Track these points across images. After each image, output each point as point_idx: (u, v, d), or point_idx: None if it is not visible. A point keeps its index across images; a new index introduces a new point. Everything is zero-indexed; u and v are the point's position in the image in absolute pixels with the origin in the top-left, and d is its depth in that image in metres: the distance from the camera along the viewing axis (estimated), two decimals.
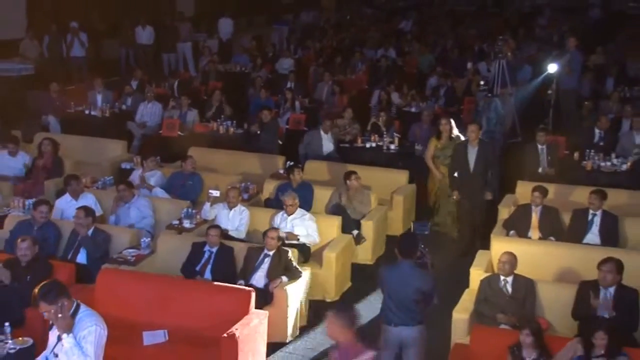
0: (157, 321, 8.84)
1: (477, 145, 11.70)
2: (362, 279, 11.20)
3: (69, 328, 6.14)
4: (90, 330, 6.19)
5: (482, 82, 19.12)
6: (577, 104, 18.01)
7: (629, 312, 8.48)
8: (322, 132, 14.93)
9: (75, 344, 6.11)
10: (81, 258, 10.18)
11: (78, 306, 6.29)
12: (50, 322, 6.30)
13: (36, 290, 6.29)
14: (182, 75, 21.68)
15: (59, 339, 6.17)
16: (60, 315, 6.12)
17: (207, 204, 11.51)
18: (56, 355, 6.21)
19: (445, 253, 11.86)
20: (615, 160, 13.96)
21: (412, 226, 10.17)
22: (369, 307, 10.13)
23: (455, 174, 12.06)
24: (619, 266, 8.55)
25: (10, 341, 7.24)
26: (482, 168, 11.71)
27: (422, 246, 7.99)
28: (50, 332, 6.31)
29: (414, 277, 7.55)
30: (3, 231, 10.81)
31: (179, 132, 16.21)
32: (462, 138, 12.44)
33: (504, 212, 11.88)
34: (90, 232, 10.26)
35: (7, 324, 7.56)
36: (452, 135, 12.71)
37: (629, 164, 13.87)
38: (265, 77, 20.36)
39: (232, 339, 8.32)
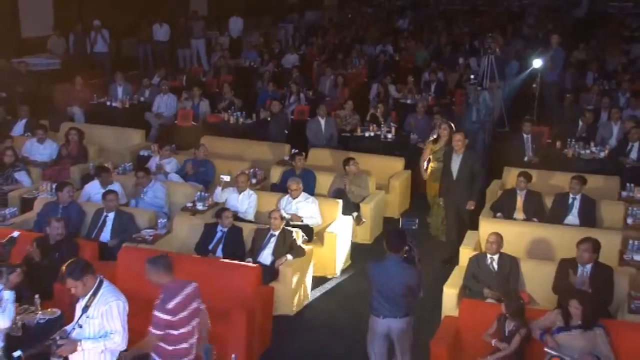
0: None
1: (463, 154, 10.78)
2: (361, 257, 11.18)
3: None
4: (112, 305, 6.19)
5: (472, 76, 19.10)
6: (559, 97, 18.02)
7: (604, 287, 8.53)
8: (319, 119, 14.99)
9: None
10: (104, 237, 10.27)
11: (101, 282, 6.29)
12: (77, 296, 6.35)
13: (63, 267, 6.31)
14: (193, 69, 21.68)
15: (84, 311, 6.21)
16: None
17: (219, 188, 11.56)
18: (80, 326, 6.25)
19: (431, 254, 10.99)
20: (594, 149, 13.99)
21: (400, 221, 9.76)
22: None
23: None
24: (595, 245, 8.60)
25: (40, 312, 7.24)
26: (466, 177, 10.78)
27: (411, 240, 7.87)
28: (76, 305, 6.34)
29: (401, 272, 7.37)
30: (32, 212, 10.90)
31: (193, 122, 16.25)
32: None
33: (491, 195, 11.95)
34: (114, 213, 10.37)
35: (37, 296, 7.59)
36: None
37: (606, 151, 13.94)
38: (272, 72, 20.32)
39: (241, 312, 8.38)
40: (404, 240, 7.55)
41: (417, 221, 8.80)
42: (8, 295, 6.29)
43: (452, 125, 11.75)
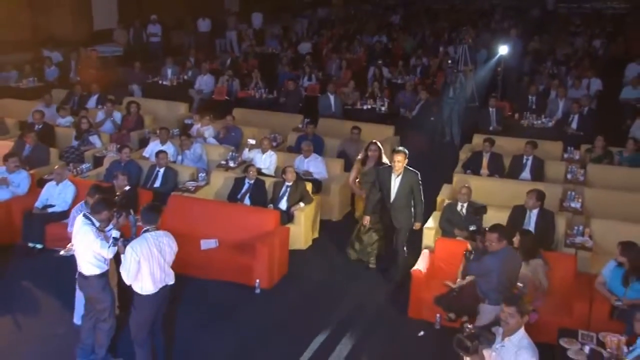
0: (210, 233, 8.97)
1: (402, 175, 8.39)
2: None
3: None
4: (127, 249, 6.09)
5: (450, 62, 18.96)
6: (518, 78, 17.90)
7: (547, 228, 8.61)
8: (329, 94, 14.93)
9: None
10: (156, 186, 10.32)
11: (145, 231, 6.18)
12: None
13: (147, 204, 6.40)
14: (231, 55, 21.56)
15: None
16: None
17: (246, 149, 11.53)
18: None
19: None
20: (544, 119, 14.01)
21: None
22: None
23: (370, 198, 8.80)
24: (540, 194, 8.65)
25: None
26: (404, 197, 8.43)
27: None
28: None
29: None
30: (102, 167, 10.98)
31: (226, 97, 16.22)
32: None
33: (463, 156, 11.90)
34: (164, 169, 10.38)
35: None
36: (381, 162, 9.11)
37: (553, 122, 13.92)
38: (290, 57, 20.19)
39: (264, 246, 8.44)
40: None
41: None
42: (115, 234, 6.29)
43: (381, 146, 9.24)
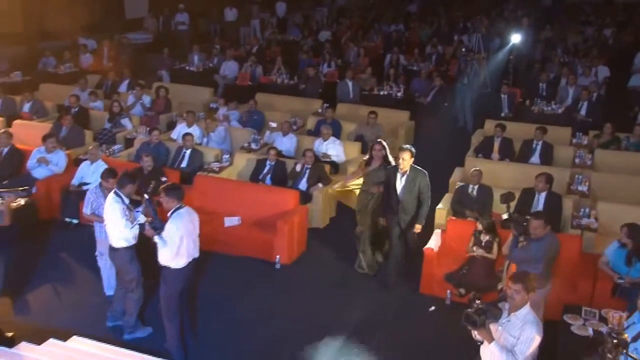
0: (234, 211, 9.02)
1: (408, 173, 7.65)
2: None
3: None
4: (170, 227, 6.10)
5: (464, 49, 18.81)
6: (529, 66, 17.71)
7: (554, 210, 8.53)
8: (347, 81, 14.87)
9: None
10: (183, 166, 10.37)
11: (178, 208, 6.20)
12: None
13: (166, 185, 6.37)
14: (254, 42, 21.53)
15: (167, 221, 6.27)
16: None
17: (268, 132, 11.56)
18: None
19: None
20: (554, 106, 13.84)
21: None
22: None
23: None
24: (548, 178, 8.58)
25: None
26: (412, 197, 7.71)
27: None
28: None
29: None
30: (132, 148, 11.06)
31: (249, 82, 16.22)
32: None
33: (475, 140, 11.82)
34: (190, 150, 10.43)
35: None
36: (387, 161, 8.18)
37: (563, 108, 13.76)
38: (311, 44, 20.10)
39: (284, 224, 8.49)
40: None
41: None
42: (142, 219, 6.40)
43: (386, 145, 8.25)
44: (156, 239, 6.15)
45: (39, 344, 5.95)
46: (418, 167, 7.72)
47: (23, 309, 7.41)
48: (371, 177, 8.20)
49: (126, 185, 6.55)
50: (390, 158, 8.19)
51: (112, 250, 6.63)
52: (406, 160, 7.59)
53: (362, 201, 8.33)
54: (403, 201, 7.72)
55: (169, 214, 6.21)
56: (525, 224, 6.25)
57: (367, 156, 8.50)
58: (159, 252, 6.20)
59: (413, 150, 7.67)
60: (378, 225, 8.22)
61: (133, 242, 6.59)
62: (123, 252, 6.59)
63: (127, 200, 6.54)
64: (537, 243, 6.23)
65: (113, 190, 6.63)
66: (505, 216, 6.71)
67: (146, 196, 6.44)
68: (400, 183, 7.72)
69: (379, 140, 8.43)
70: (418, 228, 7.87)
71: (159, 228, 6.15)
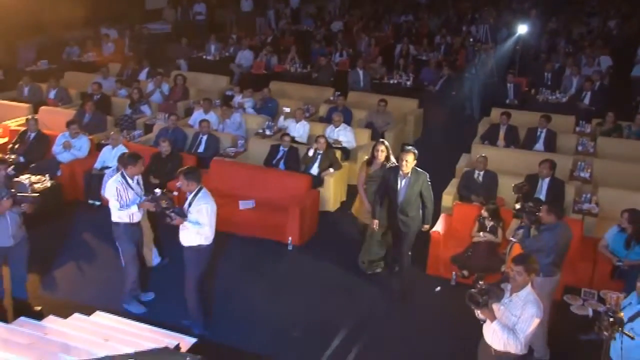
0: (248, 194, 9.06)
1: (410, 175, 7.07)
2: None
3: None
4: (203, 207, 6.18)
5: (472, 40, 18.69)
6: (535, 56, 17.56)
7: (557, 195, 8.51)
8: (358, 70, 14.83)
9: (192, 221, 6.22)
10: (200, 151, 10.41)
11: (200, 189, 6.26)
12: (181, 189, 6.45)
13: (184, 168, 6.39)
14: (272, 32, 21.48)
15: (189, 205, 6.22)
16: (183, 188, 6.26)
17: (282, 118, 11.57)
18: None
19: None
20: (558, 95, 13.76)
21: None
22: None
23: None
24: (552, 164, 8.54)
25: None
26: (413, 199, 7.14)
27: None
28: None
29: None
30: (152, 134, 11.10)
31: (264, 71, 16.21)
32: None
33: (482, 128, 11.77)
34: (206, 135, 10.46)
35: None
36: (389, 162, 7.66)
37: (567, 97, 13.65)
38: (323, 34, 20.04)
39: (296, 208, 8.52)
40: None
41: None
42: (134, 209, 6.58)
43: (388, 145, 7.77)
44: (188, 224, 6.15)
45: (65, 318, 6.05)
46: (419, 169, 7.17)
47: (50, 285, 7.53)
48: (373, 179, 7.68)
49: (128, 165, 6.62)
50: (392, 159, 7.70)
51: (113, 224, 6.75)
52: (409, 163, 7.02)
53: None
54: (403, 203, 7.14)
55: (191, 196, 6.22)
56: (537, 214, 6.11)
57: (367, 157, 8.02)
58: (190, 235, 6.21)
59: (416, 152, 7.10)
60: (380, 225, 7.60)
61: (127, 220, 6.69)
62: (120, 228, 6.71)
63: (130, 181, 6.62)
64: (549, 232, 6.09)
65: (120, 172, 6.74)
66: (517, 206, 6.55)
67: (158, 191, 6.45)
68: (400, 185, 7.13)
69: (381, 140, 7.88)
70: (426, 228, 7.45)
71: (184, 214, 6.17)
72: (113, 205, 6.63)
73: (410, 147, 7.17)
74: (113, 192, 6.59)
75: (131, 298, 6.98)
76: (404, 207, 7.16)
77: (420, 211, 7.27)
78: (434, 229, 7.92)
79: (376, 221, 7.40)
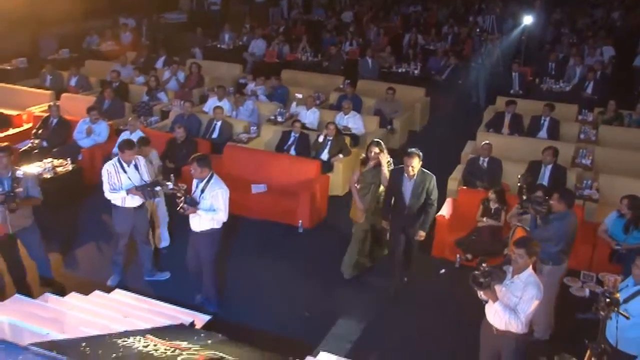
0: (260, 179, 9.11)
1: (416, 178, 6.69)
2: (393, 157, 11.18)
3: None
4: (218, 192, 6.23)
5: (478, 30, 18.55)
6: (539, 46, 17.42)
7: (559, 181, 8.51)
8: (367, 59, 14.81)
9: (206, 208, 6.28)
10: (214, 137, 10.44)
11: (212, 175, 6.31)
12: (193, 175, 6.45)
13: (195, 155, 6.42)
14: (284, 22, 21.42)
15: (201, 192, 6.27)
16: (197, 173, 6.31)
17: (294, 103, 11.59)
18: (198, 202, 6.32)
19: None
20: (562, 84, 13.67)
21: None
22: None
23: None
24: (555, 152, 8.54)
25: (170, 184, 7.08)
26: (418, 202, 6.75)
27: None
28: (193, 182, 6.45)
29: None
30: (168, 120, 11.14)
31: (276, 60, 16.19)
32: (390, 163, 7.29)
33: (487, 116, 11.72)
34: (220, 122, 10.49)
35: (172, 175, 7.36)
36: (385, 162, 7.16)
37: (570, 87, 13.57)
38: (334, 24, 19.97)
39: (306, 192, 8.58)
40: None
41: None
42: (123, 194, 6.74)
43: (382, 144, 7.23)
44: (202, 212, 6.19)
45: (86, 295, 6.15)
46: (426, 170, 6.76)
47: (72, 263, 7.66)
48: (366, 178, 7.21)
49: (124, 150, 6.68)
50: (388, 158, 7.24)
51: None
52: (415, 168, 6.62)
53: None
54: (410, 207, 6.76)
55: (203, 183, 6.26)
56: (544, 204, 5.98)
57: (363, 155, 7.55)
58: (204, 221, 6.27)
59: (421, 154, 6.68)
60: (376, 227, 7.36)
61: (119, 203, 6.80)
62: (113, 209, 6.85)
63: (126, 166, 6.70)
64: (559, 222, 5.99)
65: (117, 157, 6.82)
66: (524, 197, 6.23)
67: (170, 184, 6.47)
68: (407, 187, 6.74)
69: (376, 140, 7.30)
70: (422, 235, 6.96)
71: (195, 203, 6.21)
72: (104, 187, 6.74)
73: (413, 150, 6.71)
74: (105, 175, 6.71)
75: (150, 270, 7.17)
76: (411, 210, 6.78)
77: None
78: (440, 213, 7.93)
79: (387, 222, 7.05)
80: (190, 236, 6.53)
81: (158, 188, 6.81)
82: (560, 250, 6.00)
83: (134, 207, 6.87)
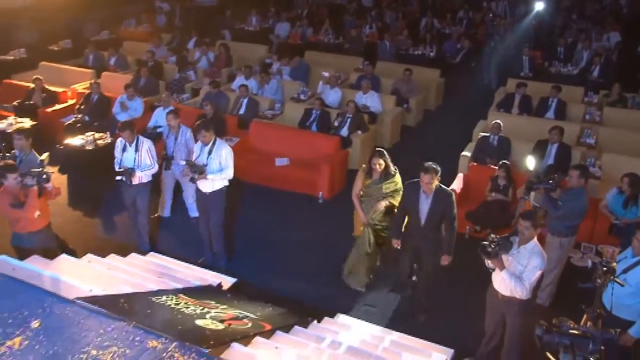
0: (284, 153, 9.12)
1: (433, 194, 5.70)
2: (408, 136, 11.15)
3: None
4: (226, 150, 6.41)
5: (492, 15, 18.19)
6: (549, 31, 17.05)
7: (564, 159, 8.41)
8: (385, 42, 14.64)
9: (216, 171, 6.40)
10: (241, 113, 10.44)
11: (216, 138, 6.46)
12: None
13: (201, 121, 6.62)
14: (308, 6, 21.15)
15: (209, 154, 6.39)
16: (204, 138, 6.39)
17: (321, 82, 11.56)
18: (206, 165, 6.40)
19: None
20: (570, 68, 13.41)
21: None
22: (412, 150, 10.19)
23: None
24: (561, 131, 8.42)
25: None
26: (434, 221, 5.76)
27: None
28: (196, 148, 6.60)
29: None
30: (198, 97, 11.14)
31: (300, 41, 16.07)
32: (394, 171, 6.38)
33: (498, 97, 11.56)
34: (247, 99, 10.46)
35: None
36: (389, 171, 6.33)
37: (577, 70, 13.32)
38: (355, 8, 19.70)
39: (327, 166, 8.59)
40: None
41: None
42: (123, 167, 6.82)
43: (386, 154, 6.31)
44: (211, 176, 6.30)
45: (124, 257, 6.26)
46: (443, 186, 5.81)
47: (111, 228, 7.80)
48: (370, 191, 6.38)
49: (125, 130, 6.72)
50: (392, 168, 6.37)
51: None
52: (431, 184, 5.63)
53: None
54: (425, 226, 5.79)
55: (208, 146, 6.37)
56: (553, 184, 5.81)
57: (365, 165, 6.57)
58: (215, 182, 6.39)
59: (439, 169, 5.67)
60: (381, 243, 6.58)
61: (119, 177, 6.80)
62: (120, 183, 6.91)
63: (128, 145, 6.75)
64: (574, 201, 5.86)
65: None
66: (533, 179, 5.94)
67: (182, 162, 6.61)
68: (424, 205, 5.75)
69: (379, 150, 6.38)
70: (446, 260, 5.86)
71: (203, 171, 6.29)
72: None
73: (429, 164, 5.65)
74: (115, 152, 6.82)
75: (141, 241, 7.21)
76: (425, 230, 5.80)
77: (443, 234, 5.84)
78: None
79: (397, 241, 6.06)
80: (199, 203, 6.66)
81: (182, 162, 6.82)
82: (576, 224, 6.04)
83: (129, 185, 6.85)
